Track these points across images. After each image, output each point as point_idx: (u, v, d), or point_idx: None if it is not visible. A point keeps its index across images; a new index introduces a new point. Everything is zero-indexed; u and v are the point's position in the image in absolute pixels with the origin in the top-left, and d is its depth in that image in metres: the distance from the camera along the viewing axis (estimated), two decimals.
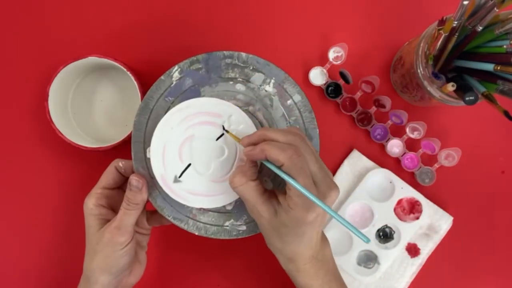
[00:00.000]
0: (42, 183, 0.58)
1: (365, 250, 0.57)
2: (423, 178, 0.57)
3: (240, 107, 0.46)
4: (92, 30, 0.58)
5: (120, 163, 0.47)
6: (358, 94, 0.57)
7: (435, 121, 0.58)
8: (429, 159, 0.58)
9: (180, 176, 0.45)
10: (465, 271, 0.58)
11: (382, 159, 0.58)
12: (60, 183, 0.58)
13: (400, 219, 0.56)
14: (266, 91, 0.48)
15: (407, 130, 0.57)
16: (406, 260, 0.57)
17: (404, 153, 0.57)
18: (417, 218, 0.56)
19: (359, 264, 0.57)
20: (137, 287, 0.50)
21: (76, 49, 0.58)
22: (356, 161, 0.58)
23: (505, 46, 0.43)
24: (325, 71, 0.57)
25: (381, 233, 0.57)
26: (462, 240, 0.58)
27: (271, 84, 0.48)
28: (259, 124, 0.48)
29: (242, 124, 0.45)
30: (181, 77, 0.47)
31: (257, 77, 0.48)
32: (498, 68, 0.42)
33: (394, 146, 0.57)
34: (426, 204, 0.56)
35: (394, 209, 0.57)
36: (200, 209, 0.47)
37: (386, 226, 0.57)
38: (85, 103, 0.58)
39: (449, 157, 0.56)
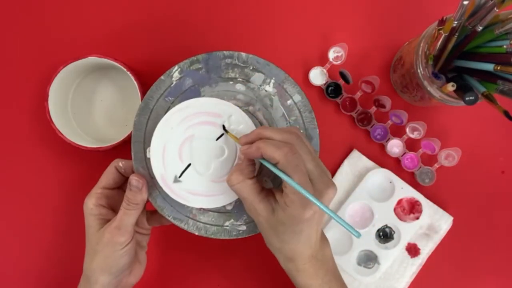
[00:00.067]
0: (42, 183, 0.58)
1: (365, 250, 0.57)
2: (423, 178, 0.57)
3: (240, 107, 0.46)
4: (92, 30, 0.58)
5: (120, 163, 0.47)
6: (358, 94, 0.57)
7: (435, 121, 0.58)
8: (429, 159, 0.58)
9: (180, 176, 0.45)
10: (465, 271, 0.58)
11: (382, 159, 0.58)
12: (60, 183, 0.58)
13: (400, 219, 0.56)
14: (266, 91, 0.48)
15: (407, 130, 0.57)
16: (406, 260, 0.57)
17: (404, 153, 0.57)
18: (417, 218, 0.56)
19: (359, 264, 0.57)
20: (137, 287, 0.50)
21: (76, 49, 0.58)
22: (356, 161, 0.58)
23: (505, 46, 0.43)
24: (325, 71, 0.57)
25: (381, 233, 0.57)
26: (462, 240, 0.58)
27: (271, 84, 0.48)
28: (259, 124, 0.48)
29: (242, 124, 0.45)
30: (181, 77, 0.47)
31: (257, 77, 0.48)
32: (498, 68, 0.42)
33: (394, 146, 0.57)
34: (426, 204, 0.56)
35: (394, 209, 0.57)
36: (200, 209, 0.47)
37: (386, 226, 0.57)
38: (85, 103, 0.58)
39: (449, 157, 0.56)
